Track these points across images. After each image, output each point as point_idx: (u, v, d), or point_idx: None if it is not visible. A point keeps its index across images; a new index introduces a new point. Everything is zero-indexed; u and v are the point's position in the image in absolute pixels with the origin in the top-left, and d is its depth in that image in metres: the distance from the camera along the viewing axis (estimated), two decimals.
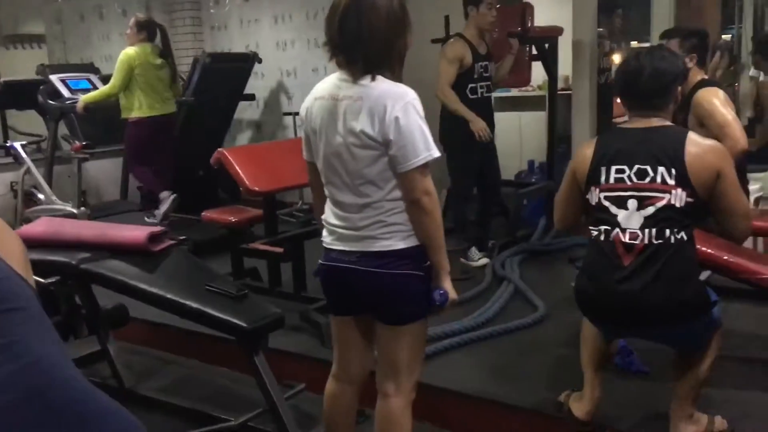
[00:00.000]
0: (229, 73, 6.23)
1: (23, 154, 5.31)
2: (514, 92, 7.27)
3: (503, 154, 6.83)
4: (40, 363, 0.83)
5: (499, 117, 7.14)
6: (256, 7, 6.82)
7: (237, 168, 3.83)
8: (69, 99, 5.78)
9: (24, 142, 5.54)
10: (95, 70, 6.68)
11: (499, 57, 4.78)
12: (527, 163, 6.74)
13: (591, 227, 2.33)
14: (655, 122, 2.31)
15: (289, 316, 3.05)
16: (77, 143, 5.41)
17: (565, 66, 5.59)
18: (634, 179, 2.23)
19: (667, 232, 2.18)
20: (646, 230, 2.19)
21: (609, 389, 2.70)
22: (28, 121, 6.84)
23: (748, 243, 3.93)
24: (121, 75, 5.24)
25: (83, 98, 5.49)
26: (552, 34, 5.18)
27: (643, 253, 2.19)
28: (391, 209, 2.03)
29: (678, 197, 2.18)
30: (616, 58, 5.80)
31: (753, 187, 4.13)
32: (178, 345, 3.69)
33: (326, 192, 2.17)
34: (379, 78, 1.99)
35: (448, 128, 4.48)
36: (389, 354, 2.16)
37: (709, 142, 2.27)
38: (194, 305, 2.77)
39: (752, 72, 6.30)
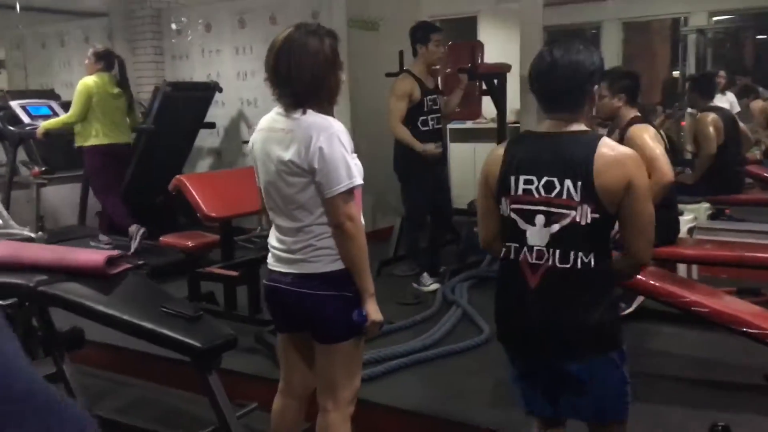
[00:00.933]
0: (190, 101, 6.35)
1: None
2: (468, 124, 7.53)
3: (457, 183, 7.09)
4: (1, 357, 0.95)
5: (454, 148, 7.42)
6: (217, 38, 6.97)
7: (194, 194, 3.95)
8: (29, 125, 5.84)
9: None
10: (56, 97, 6.75)
11: (450, 91, 5.01)
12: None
13: (504, 243, 2.12)
14: (572, 127, 2.06)
15: (244, 338, 3.17)
16: (36, 168, 5.47)
17: (515, 100, 5.85)
18: (542, 192, 2.01)
19: (572, 255, 1.98)
20: (551, 250, 2.00)
21: None
22: None
23: (682, 271, 4.19)
24: (79, 104, 5.34)
25: (43, 125, 5.56)
26: (500, 70, 5.43)
27: (547, 277, 2.00)
28: (320, 234, 2.19)
29: (583, 214, 1.96)
30: None
31: (687, 217, 4.38)
32: (133, 367, 3.76)
33: (270, 216, 2.35)
34: (309, 112, 2.16)
35: (401, 159, 4.68)
36: (325, 371, 2.32)
37: (623, 150, 2.05)
38: (149, 326, 2.85)
39: (689, 109, 6.65)
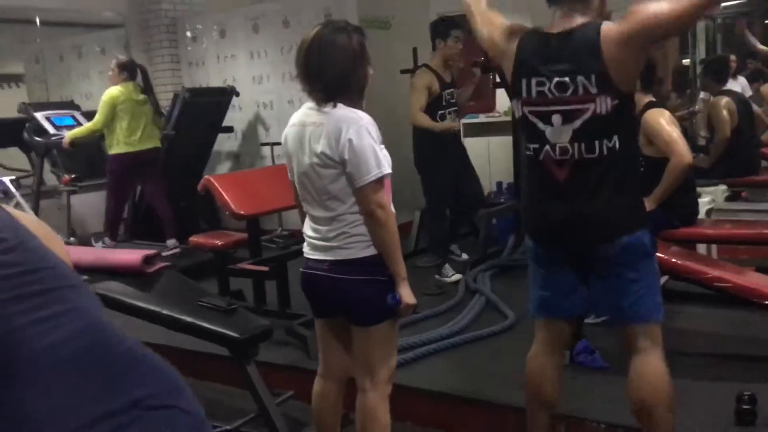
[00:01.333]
0: (208, 106, 6.49)
1: (12, 189, 5.49)
2: (482, 118, 7.60)
3: None
4: (98, 322, 1.07)
5: (469, 142, 7.48)
6: (231, 43, 7.09)
7: (223, 193, 4.06)
8: (54, 135, 5.97)
9: (13, 177, 5.72)
10: (76, 107, 6.90)
11: (463, 85, 5.10)
12: (495, 185, 7.05)
13: (525, 143, 2.22)
14: (577, 20, 2.10)
15: (275, 332, 3.27)
16: (66, 176, 5.62)
17: None
18: (555, 92, 2.08)
19: (597, 144, 2.06)
20: (575, 144, 2.08)
21: (574, 385, 2.96)
22: (6, 157, 7.00)
23: (702, 251, 4.25)
24: (104, 113, 5.49)
25: (69, 134, 5.71)
26: None
27: (576, 169, 2.10)
28: (353, 221, 2.28)
29: (602, 104, 2.03)
30: None
31: (704, 199, 4.45)
32: (171, 363, 3.86)
33: (304, 207, 2.46)
34: (339, 105, 2.26)
35: (421, 151, 4.78)
36: (362, 353, 2.41)
37: (621, 22, 2.05)
38: (189, 319, 2.97)
39: (702, 94, 6.68)
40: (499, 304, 4.14)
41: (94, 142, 6.22)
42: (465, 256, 5.08)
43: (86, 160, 6.73)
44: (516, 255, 5.27)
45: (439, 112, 4.70)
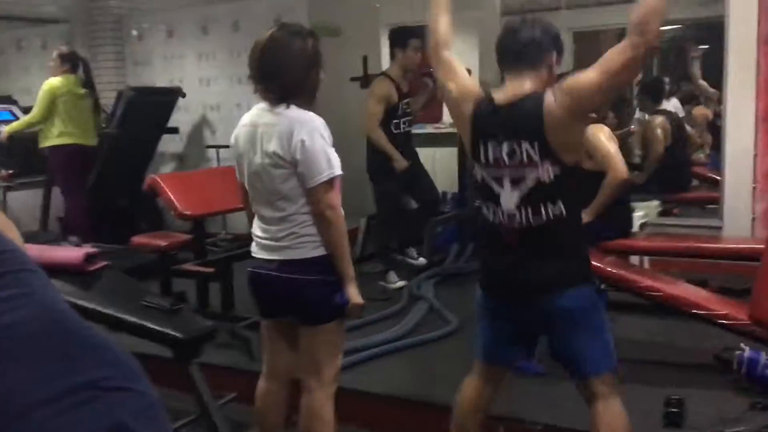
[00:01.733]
0: (153, 106, 6.40)
1: None
2: (429, 129, 7.72)
3: None
4: (57, 305, 1.07)
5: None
6: (179, 44, 7.01)
7: (169, 193, 4.02)
8: None
9: None
10: (13, 102, 6.70)
11: (414, 94, 5.17)
12: (441, 195, 7.16)
13: (479, 202, 2.32)
14: (526, 86, 2.19)
15: (219, 334, 3.25)
16: (4, 172, 5.45)
17: None
18: (506, 160, 2.17)
19: (542, 208, 2.14)
20: (522, 209, 2.16)
21: (512, 388, 3.04)
22: None
23: (635, 261, 4.42)
24: (43, 104, 5.36)
25: (6, 128, 5.57)
26: None
27: (523, 231, 2.18)
28: (302, 222, 2.32)
29: (545, 171, 2.12)
30: None
31: (638, 214, 4.62)
32: None
33: (253, 208, 2.48)
34: (292, 107, 2.31)
35: (372, 159, 4.82)
36: (309, 351, 2.45)
37: (559, 85, 2.14)
38: (131, 319, 2.93)
39: (637, 114, 6.95)
40: (442, 311, 4.22)
41: (32, 137, 6.05)
42: (422, 260, 5.10)
43: (23, 156, 6.55)
44: (459, 263, 5.37)
45: (394, 121, 4.74)
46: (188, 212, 4.06)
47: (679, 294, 3.26)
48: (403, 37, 4.79)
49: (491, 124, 2.22)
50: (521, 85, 2.20)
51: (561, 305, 2.18)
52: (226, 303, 4.02)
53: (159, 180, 4.18)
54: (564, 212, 2.15)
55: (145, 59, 7.25)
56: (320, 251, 2.34)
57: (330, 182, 2.29)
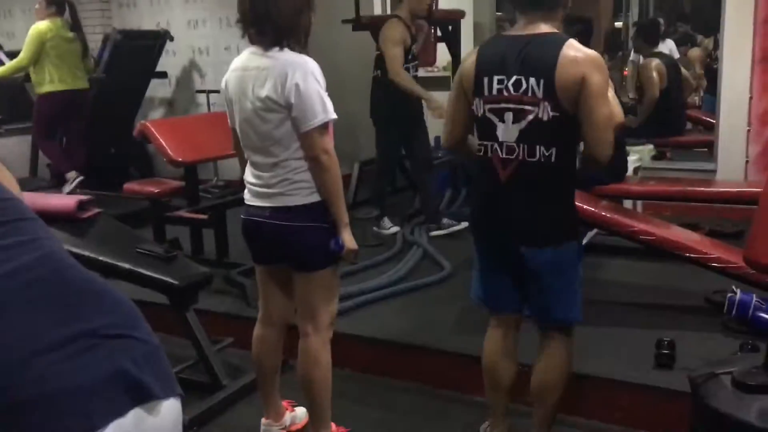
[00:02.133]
0: (141, 50, 6.25)
1: None
2: (421, 72, 7.59)
3: None
4: (57, 253, 1.07)
5: None
6: None
7: (160, 139, 3.97)
8: None
9: None
10: None
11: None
12: (433, 139, 7.09)
13: (478, 142, 2.28)
14: (542, 28, 2.17)
15: (214, 280, 3.26)
16: None
17: (467, 48, 5.96)
18: (512, 90, 2.14)
19: (537, 149, 2.13)
20: (521, 145, 2.15)
21: None
22: None
23: (629, 205, 4.44)
24: (31, 48, 5.23)
25: None
26: (455, 17, 5.52)
27: (516, 171, 2.17)
28: (296, 168, 2.29)
29: (544, 110, 2.10)
30: None
31: (632, 158, 4.62)
32: None
33: (245, 154, 2.44)
34: (285, 50, 2.26)
35: (377, 104, 4.72)
36: (304, 297, 2.45)
37: (586, 50, 2.13)
38: (127, 266, 2.93)
39: (632, 56, 6.88)
40: (436, 256, 4.23)
41: (18, 83, 5.94)
42: (394, 228, 4.88)
43: (10, 102, 6.44)
44: (453, 208, 5.37)
45: (405, 65, 4.61)
46: (180, 159, 4.02)
47: (671, 237, 3.27)
48: None
49: (499, 57, 2.18)
50: (537, 26, 2.18)
51: (546, 260, 2.22)
52: (220, 250, 4.02)
53: (150, 126, 4.12)
54: (554, 158, 2.14)
55: (131, 1, 7.06)
56: (314, 197, 2.32)
57: (324, 126, 2.25)
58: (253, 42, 2.33)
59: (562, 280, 2.27)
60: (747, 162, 4.83)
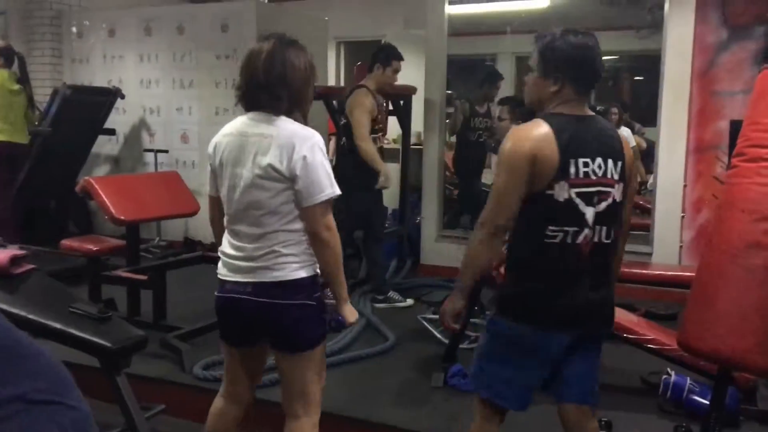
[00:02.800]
0: (90, 106, 6.21)
1: None
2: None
3: None
4: None
5: None
6: (121, 43, 6.84)
7: (103, 196, 3.89)
8: None
9: None
10: None
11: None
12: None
13: (551, 226, 2.04)
14: (588, 110, 2.15)
15: (149, 344, 3.14)
16: None
17: (418, 122, 6.11)
18: (598, 173, 2.06)
19: (612, 231, 2.10)
20: (596, 228, 2.07)
21: (446, 406, 3.06)
22: None
23: None
24: None
25: None
26: (406, 92, 5.67)
27: (594, 253, 2.08)
28: (284, 240, 2.16)
29: (619, 192, 2.10)
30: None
31: None
32: None
33: (225, 223, 2.30)
34: (290, 120, 2.20)
35: (346, 173, 4.66)
36: (293, 378, 2.29)
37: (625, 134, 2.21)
38: (58, 326, 2.81)
39: None
40: (380, 327, 4.21)
41: None
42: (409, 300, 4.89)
43: None
44: (397, 279, 5.38)
45: (372, 135, 4.66)
46: (122, 217, 3.94)
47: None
48: (386, 55, 4.71)
49: (582, 139, 2.06)
50: (586, 107, 2.15)
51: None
52: (157, 312, 3.91)
53: (93, 182, 4.05)
54: (614, 236, 2.13)
55: (84, 57, 7.05)
56: (302, 273, 2.17)
57: (329, 202, 2.17)
58: (252, 108, 2.24)
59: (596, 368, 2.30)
60: (681, 247, 5.01)
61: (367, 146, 4.51)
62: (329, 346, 3.79)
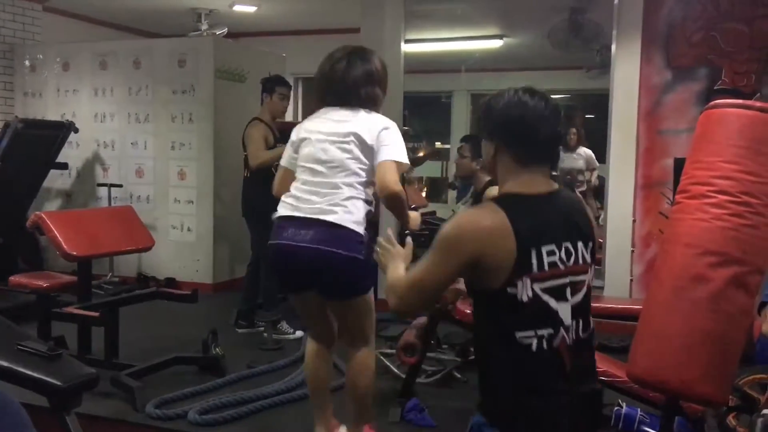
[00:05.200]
0: (42, 140, 6.12)
1: None
2: None
3: None
4: None
5: None
6: (75, 77, 6.78)
7: (54, 231, 3.83)
8: None
9: None
10: None
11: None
12: None
13: (519, 332, 1.65)
14: (552, 184, 1.78)
15: (100, 382, 3.08)
16: None
17: None
18: (566, 262, 1.69)
19: (590, 320, 1.77)
20: (574, 322, 1.70)
21: None
22: None
23: None
24: None
25: None
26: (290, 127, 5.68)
27: (576, 351, 1.70)
28: (351, 196, 2.57)
29: (591, 275, 1.78)
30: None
31: None
32: None
33: (301, 180, 2.65)
34: (367, 110, 2.66)
35: (249, 200, 4.77)
36: (350, 321, 2.75)
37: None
38: (5, 364, 2.74)
39: None
40: (337, 362, 4.17)
41: None
42: (299, 333, 4.76)
43: None
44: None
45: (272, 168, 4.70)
46: (74, 252, 3.86)
47: None
48: (270, 84, 4.89)
49: (543, 223, 1.70)
50: (547, 180, 1.78)
51: None
52: (109, 349, 3.83)
53: (45, 217, 3.97)
54: (592, 324, 1.79)
55: (37, 91, 6.96)
56: (359, 227, 2.57)
57: (400, 165, 2.59)
58: (334, 104, 2.67)
59: None
60: (631, 280, 5.13)
61: (262, 155, 4.64)
62: (285, 383, 3.77)
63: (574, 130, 7.04)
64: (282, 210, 2.68)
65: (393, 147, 2.58)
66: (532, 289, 1.65)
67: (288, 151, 2.77)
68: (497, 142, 1.76)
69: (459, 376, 3.99)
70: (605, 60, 5.44)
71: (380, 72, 2.74)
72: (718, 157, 2.39)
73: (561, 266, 1.68)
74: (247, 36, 8.65)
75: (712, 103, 2.55)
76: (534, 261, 1.64)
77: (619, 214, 5.18)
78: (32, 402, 2.75)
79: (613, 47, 5.18)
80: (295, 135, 2.75)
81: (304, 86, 8.62)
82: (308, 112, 5.66)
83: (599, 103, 5.96)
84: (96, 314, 3.70)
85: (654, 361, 2.42)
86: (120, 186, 6.51)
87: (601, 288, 5.20)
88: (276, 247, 2.67)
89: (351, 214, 2.56)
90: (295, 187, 2.68)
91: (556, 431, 1.71)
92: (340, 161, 2.59)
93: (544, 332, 1.66)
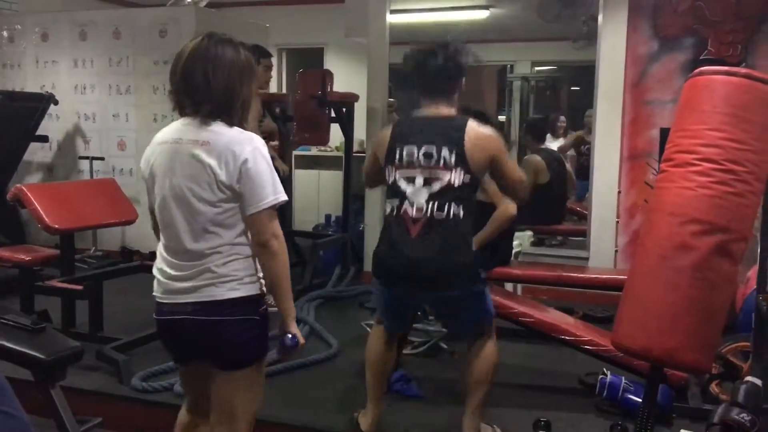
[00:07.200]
0: (21, 112, 6.01)
1: None
2: (314, 151, 7.73)
3: (302, 208, 7.23)
4: None
5: (300, 174, 7.57)
6: (54, 48, 6.65)
7: (36, 204, 3.77)
8: None
9: None
10: None
11: (300, 118, 5.13)
12: (324, 217, 7.16)
13: (387, 200, 2.69)
14: (443, 111, 2.67)
15: (85, 355, 3.05)
16: None
17: (360, 130, 6.13)
18: (422, 160, 2.58)
19: (446, 207, 2.54)
20: (430, 203, 2.55)
21: (389, 411, 3.08)
22: None
23: (509, 288, 4.60)
24: None
25: None
26: (350, 99, 5.69)
27: (426, 226, 2.56)
28: (228, 255, 2.04)
29: (457, 177, 2.55)
30: None
31: (513, 243, 4.82)
32: None
33: (162, 238, 2.16)
34: (225, 124, 2.05)
35: None
36: (225, 399, 2.14)
37: (486, 132, 2.63)
38: None
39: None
40: (323, 333, 4.19)
41: None
42: None
43: None
44: (340, 286, 5.38)
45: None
46: (57, 225, 3.82)
47: (548, 320, 3.42)
48: (255, 55, 4.76)
49: (410, 131, 2.66)
50: (438, 110, 2.68)
51: (458, 295, 2.65)
52: (93, 323, 3.80)
53: (25, 190, 3.91)
54: (462, 215, 2.57)
55: (15, 62, 6.82)
56: (245, 290, 2.04)
57: (274, 208, 2.04)
58: (185, 115, 2.11)
59: (476, 314, 2.83)
60: (616, 251, 5.16)
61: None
62: (270, 354, 3.74)
63: (563, 117, 7.07)
64: None
65: (260, 189, 2.08)
66: (393, 175, 2.65)
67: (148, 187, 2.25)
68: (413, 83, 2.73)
69: (445, 347, 4.02)
70: (592, 31, 5.40)
71: (242, 65, 2.12)
72: (704, 125, 2.39)
73: (416, 163, 2.59)
74: (229, 6, 8.51)
75: (698, 70, 2.54)
76: (396, 155, 2.64)
77: (605, 185, 5.19)
78: (16, 376, 2.76)
79: (600, 17, 5.14)
80: (143, 162, 2.24)
81: (288, 58, 8.52)
82: (291, 85, 5.62)
83: (585, 74, 5.93)
84: (79, 287, 3.67)
85: (638, 329, 2.44)
86: (102, 159, 6.43)
87: (586, 259, 5.23)
88: None
89: None
90: None
91: (390, 274, 2.67)
92: None
93: (396, 202, 2.63)
